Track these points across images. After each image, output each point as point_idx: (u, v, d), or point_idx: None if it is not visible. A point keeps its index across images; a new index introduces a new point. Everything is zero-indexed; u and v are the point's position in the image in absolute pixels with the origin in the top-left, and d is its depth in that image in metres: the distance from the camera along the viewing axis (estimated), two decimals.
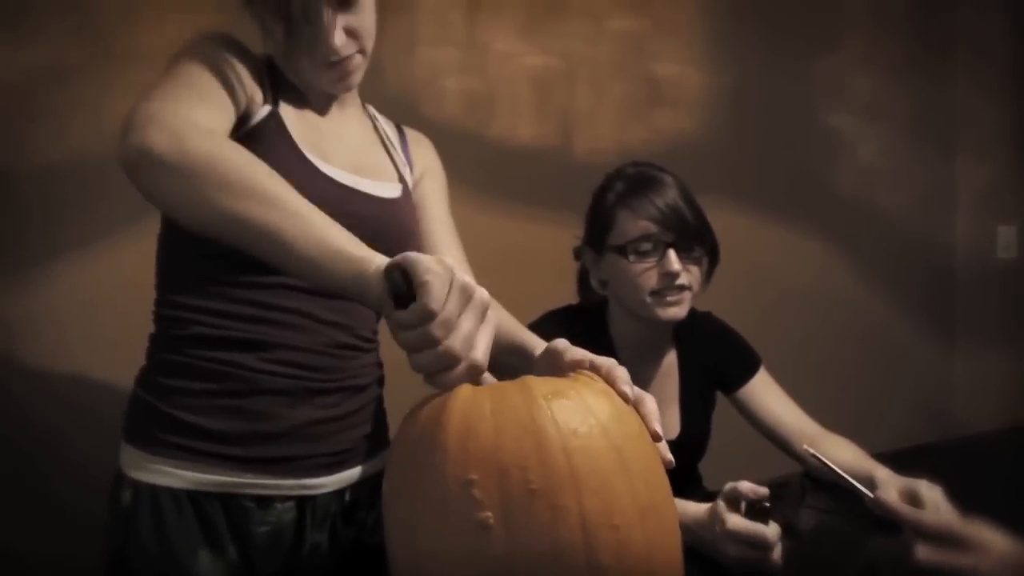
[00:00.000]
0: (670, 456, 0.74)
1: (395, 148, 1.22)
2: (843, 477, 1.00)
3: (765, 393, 1.46)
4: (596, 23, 2.29)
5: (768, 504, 0.99)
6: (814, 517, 1.16)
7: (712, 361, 1.47)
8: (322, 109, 1.12)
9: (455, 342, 0.68)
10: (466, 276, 0.70)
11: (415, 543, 0.66)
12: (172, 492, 1.00)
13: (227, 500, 1.02)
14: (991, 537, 0.80)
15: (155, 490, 1.00)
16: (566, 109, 2.25)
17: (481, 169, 2.14)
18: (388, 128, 1.25)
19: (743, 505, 1.00)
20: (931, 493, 1.13)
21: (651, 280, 1.31)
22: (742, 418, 1.48)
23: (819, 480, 1.35)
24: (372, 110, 1.24)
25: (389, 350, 1.13)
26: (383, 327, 1.15)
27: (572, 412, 0.67)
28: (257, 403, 1.01)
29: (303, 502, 1.06)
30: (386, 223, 1.11)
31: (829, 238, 2.74)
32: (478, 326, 0.70)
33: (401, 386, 1.02)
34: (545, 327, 1.38)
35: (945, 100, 3.00)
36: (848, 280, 2.79)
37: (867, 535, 1.05)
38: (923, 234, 2.97)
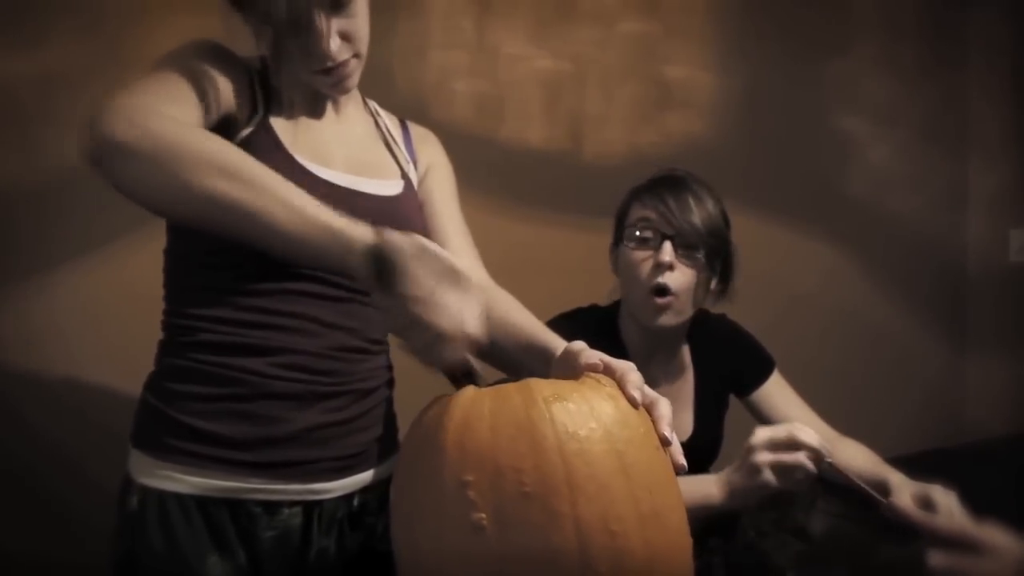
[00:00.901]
0: (682, 460, 0.74)
1: (397, 144, 1.20)
2: (856, 483, 1.00)
3: (779, 396, 1.45)
4: (606, 26, 2.29)
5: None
6: (827, 521, 1.15)
7: (726, 363, 1.46)
8: (319, 110, 1.11)
9: (441, 319, 0.67)
10: (439, 250, 0.70)
11: (416, 541, 0.66)
12: (179, 498, 1.00)
13: (234, 506, 1.01)
14: (1005, 542, 0.79)
15: (162, 496, 1.00)
16: (576, 112, 2.25)
17: (491, 172, 2.14)
18: (391, 123, 1.23)
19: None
20: (944, 498, 1.13)
21: (645, 270, 1.30)
22: (754, 421, 1.47)
23: (832, 484, 1.34)
24: (374, 105, 1.23)
25: (400, 352, 1.13)
26: None
27: (573, 415, 0.66)
28: (264, 407, 1.01)
29: (310, 507, 1.06)
30: (388, 222, 1.09)
31: (840, 242, 2.72)
32: (461, 298, 0.70)
33: (412, 389, 1.02)
34: (556, 329, 1.38)
35: (956, 104, 2.99)
36: (860, 284, 2.78)
37: (880, 540, 1.04)
38: (935, 238, 2.96)
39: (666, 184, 1.34)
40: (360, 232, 0.78)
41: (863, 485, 0.99)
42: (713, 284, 1.37)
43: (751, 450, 1.10)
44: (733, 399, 1.49)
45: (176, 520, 0.99)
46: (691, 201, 1.30)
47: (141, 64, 1.58)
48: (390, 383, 1.17)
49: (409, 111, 1.31)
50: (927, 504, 1.13)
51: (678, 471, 0.73)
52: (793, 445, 1.08)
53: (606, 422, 0.67)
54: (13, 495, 1.58)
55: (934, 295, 2.97)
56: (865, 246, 2.78)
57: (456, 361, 0.73)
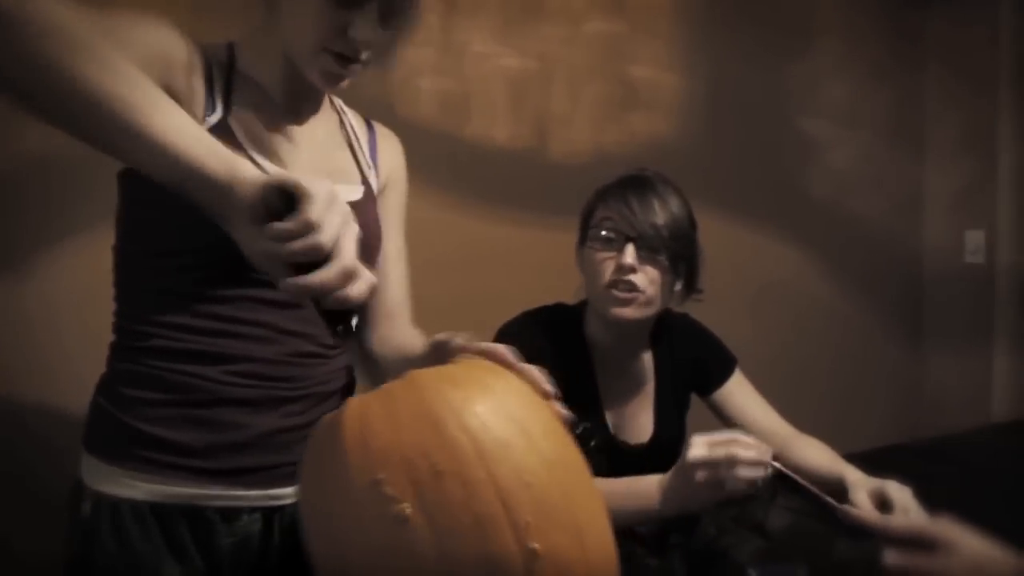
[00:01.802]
0: (566, 412, 0.77)
1: (361, 148, 1.18)
2: (809, 489, 1.01)
3: (740, 394, 1.47)
4: (572, 25, 2.30)
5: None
6: (785, 518, 1.17)
7: (688, 362, 1.47)
8: (285, 106, 1.07)
9: (326, 239, 0.69)
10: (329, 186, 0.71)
11: (341, 552, 0.67)
12: (134, 505, 0.97)
13: (192, 513, 0.99)
14: (961, 537, 0.80)
15: (116, 502, 0.97)
16: (542, 111, 2.26)
17: (456, 170, 2.14)
18: (357, 124, 1.20)
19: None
20: (900, 494, 1.15)
21: (608, 270, 1.30)
22: (716, 419, 1.49)
23: (791, 481, 1.36)
24: (339, 104, 1.20)
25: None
26: None
27: (464, 391, 0.70)
28: (221, 414, 0.99)
29: (270, 513, 1.04)
30: None
31: (803, 241, 2.77)
32: (345, 231, 0.71)
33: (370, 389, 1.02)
34: (521, 326, 1.39)
35: (914, 107, 3.05)
36: (822, 283, 2.83)
37: (838, 536, 1.06)
38: (893, 238, 3.02)
39: (631, 185, 1.34)
40: (250, 166, 0.74)
41: (816, 492, 1.00)
42: (677, 286, 1.37)
43: (686, 468, 1.08)
44: (694, 398, 1.51)
45: (130, 528, 0.97)
46: (655, 203, 1.30)
47: None
48: (350, 385, 1.16)
49: (375, 108, 1.30)
50: (883, 500, 1.15)
51: (565, 422, 0.76)
52: (731, 461, 1.06)
53: (495, 390, 0.71)
54: (13, 494, 1.56)
55: (893, 295, 3.03)
56: (827, 246, 2.83)
57: (344, 299, 0.72)
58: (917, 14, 3.01)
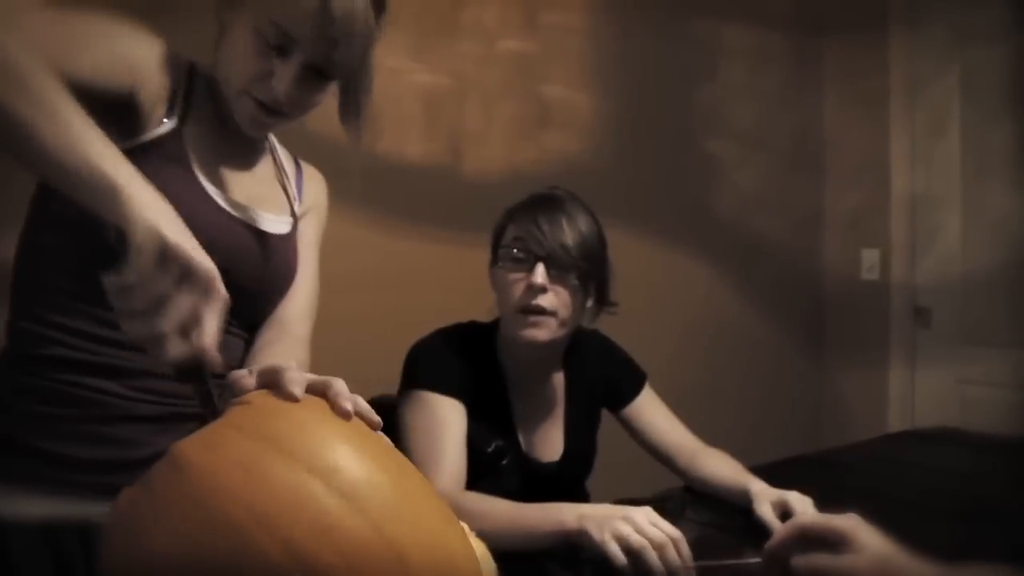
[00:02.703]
0: (376, 417, 0.69)
1: (290, 182, 1.19)
2: (726, 564, 1.04)
3: (650, 410, 1.49)
4: (486, 43, 2.31)
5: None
6: (695, 530, 1.18)
7: (599, 379, 1.49)
8: (235, 131, 1.06)
9: (165, 323, 0.64)
10: (186, 247, 0.66)
11: None
12: (22, 527, 0.92)
13: (85, 533, 0.93)
14: (866, 535, 0.82)
15: (3, 526, 0.92)
16: (455, 128, 2.26)
17: (368, 185, 2.11)
18: (286, 160, 1.21)
19: None
20: (801, 504, 1.19)
21: (518, 291, 1.30)
22: (627, 435, 1.51)
23: (699, 494, 1.39)
24: (273, 140, 1.20)
25: None
26: None
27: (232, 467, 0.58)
28: (124, 431, 0.96)
29: None
30: (276, 260, 1.08)
31: (710, 258, 2.84)
32: (200, 305, 0.67)
33: None
34: (434, 345, 1.38)
35: (814, 129, 3.18)
36: (728, 299, 2.90)
37: (746, 546, 1.08)
38: (795, 256, 3.13)
39: (540, 205, 1.34)
40: (134, 188, 0.70)
41: (736, 562, 1.03)
42: (589, 303, 1.38)
43: (601, 542, 1.00)
44: (605, 413, 1.52)
45: (17, 552, 0.92)
46: (564, 223, 1.30)
47: None
48: None
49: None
50: (785, 510, 1.19)
51: (375, 427, 0.68)
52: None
53: (275, 435, 0.60)
54: None
55: (795, 311, 3.14)
56: (733, 263, 2.91)
57: (184, 360, 0.67)
58: (816, 40, 3.14)
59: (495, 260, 1.38)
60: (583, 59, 2.52)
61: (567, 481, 1.45)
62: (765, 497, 1.23)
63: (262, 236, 1.07)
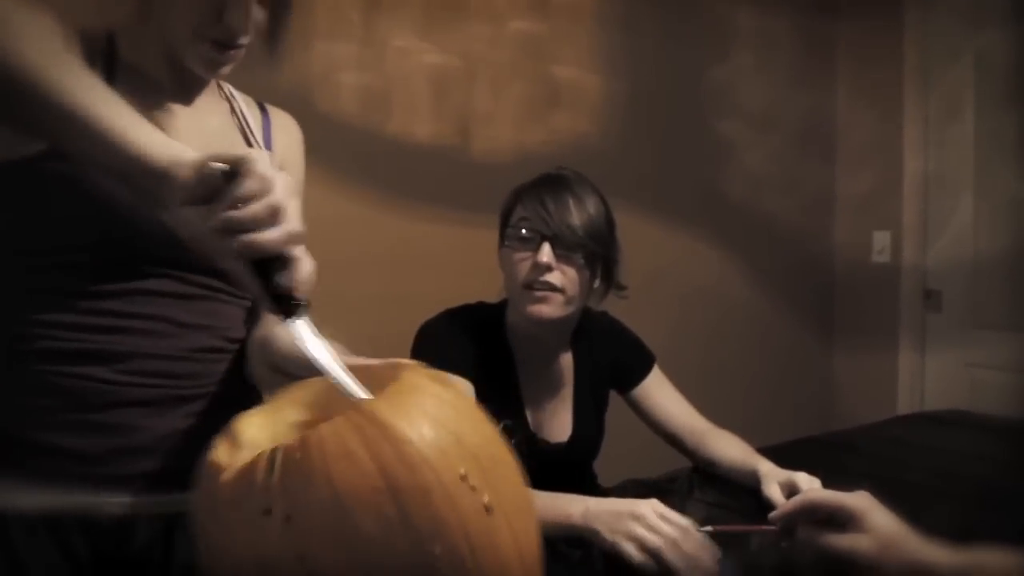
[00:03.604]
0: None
1: (253, 134, 1.12)
2: (742, 529, 1.03)
3: (658, 391, 1.49)
4: (495, 24, 2.30)
5: None
6: (702, 511, 1.19)
7: (607, 360, 1.49)
8: (169, 96, 1.01)
9: (280, 197, 0.69)
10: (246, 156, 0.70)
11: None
12: (23, 518, 0.91)
13: (86, 523, 0.93)
14: (874, 512, 0.82)
15: (3, 516, 0.91)
16: (464, 108, 2.25)
17: (377, 166, 2.11)
18: (247, 109, 1.14)
19: None
20: (809, 484, 1.20)
21: (524, 269, 1.30)
22: (635, 416, 1.51)
23: (707, 475, 1.39)
24: (229, 89, 1.14)
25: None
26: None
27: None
28: (117, 416, 0.94)
29: (172, 521, 0.98)
30: None
31: (720, 240, 2.83)
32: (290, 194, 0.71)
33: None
34: (442, 325, 1.38)
35: (826, 112, 3.16)
36: (738, 281, 2.90)
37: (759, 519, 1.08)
38: (806, 238, 3.12)
39: (547, 185, 1.34)
40: (184, 149, 0.73)
41: (749, 528, 1.03)
42: (596, 284, 1.38)
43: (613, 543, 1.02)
44: (614, 395, 1.52)
45: (19, 542, 0.91)
46: (571, 203, 1.30)
47: None
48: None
49: (293, 102, 1.26)
50: (793, 490, 1.19)
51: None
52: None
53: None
54: None
55: (805, 293, 3.13)
56: (743, 245, 2.90)
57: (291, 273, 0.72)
58: (829, 23, 3.11)
59: (503, 240, 1.38)
60: (593, 39, 2.50)
61: (575, 462, 1.46)
62: (773, 477, 1.23)
63: None
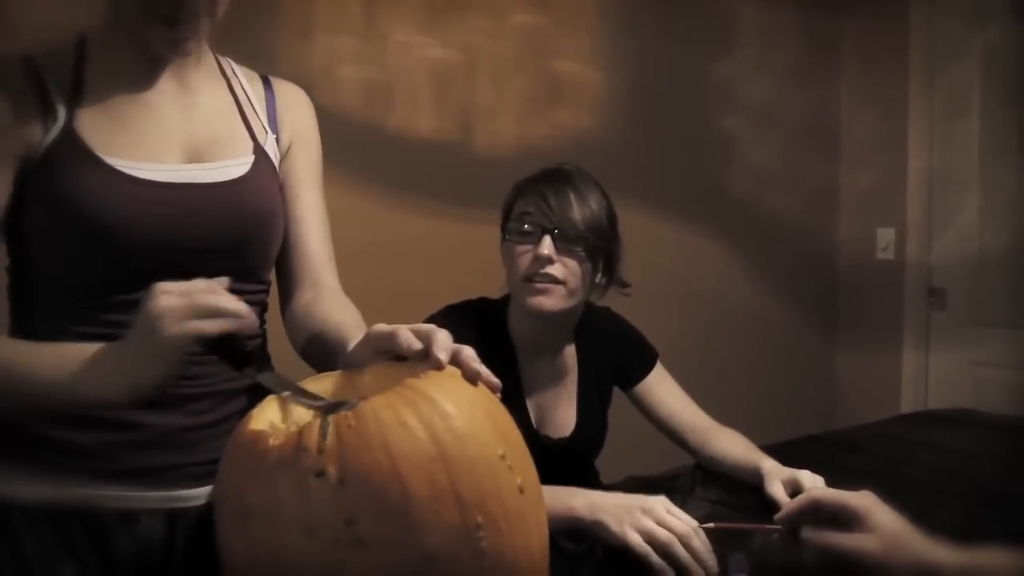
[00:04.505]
0: (496, 380, 0.78)
1: (255, 110, 1.09)
2: (746, 528, 1.03)
3: (661, 388, 1.48)
4: (497, 18, 2.29)
5: None
6: (704, 508, 1.18)
7: (610, 356, 1.48)
8: (151, 83, 0.99)
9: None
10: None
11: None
12: (24, 508, 0.92)
13: (88, 517, 0.94)
14: (879, 512, 0.82)
15: (5, 506, 0.92)
16: (466, 102, 2.24)
17: (379, 160, 2.10)
18: (250, 86, 1.11)
19: None
20: (813, 482, 1.19)
21: (526, 263, 1.30)
22: (638, 413, 1.50)
23: (710, 472, 1.38)
24: (231, 66, 1.11)
25: (274, 347, 1.09)
26: (272, 320, 1.11)
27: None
28: (118, 412, 0.93)
29: (174, 516, 0.98)
30: (232, 209, 1.00)
31: (723, 237, 2.82)
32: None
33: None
34: (444, 320, 1.37)
35: (830, 109, 3.14)
36: (741, 278, 2.89)
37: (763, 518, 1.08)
38: (809, 235, 3.10)
39: (548, 179, 1.34)
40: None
41: (752, 527, 1.02)
42: (598, 279, 1.37)
43: (621, 534, 1.01)
44: (617, 392, 1.51)
45: (21, 533, 0.92)
46: (572, 197, 1.30)
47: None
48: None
49: None
50: (796, 488, 1.18)
51: (495, 390, 0.77)
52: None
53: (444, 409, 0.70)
54: None
55: (809, 290, 3.12)
56: (747, 241, 2.89)
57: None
58: (833, 18, 3.10)
59: (504, 235, 1.38)
60: (595, 34, 2.49)
61: (577, 458, 1.45)
62: (776, 475, 1.23)
63: (211, 190, 0.99)
